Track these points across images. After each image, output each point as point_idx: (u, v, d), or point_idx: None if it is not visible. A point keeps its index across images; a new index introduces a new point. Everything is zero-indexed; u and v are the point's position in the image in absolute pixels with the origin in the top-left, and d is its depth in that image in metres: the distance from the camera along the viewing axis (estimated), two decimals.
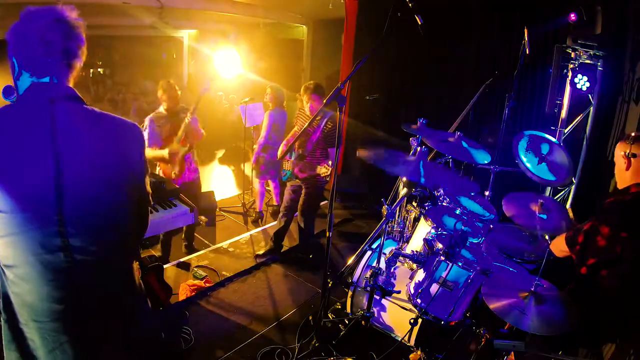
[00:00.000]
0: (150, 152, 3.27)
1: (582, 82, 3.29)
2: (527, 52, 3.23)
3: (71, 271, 1.15)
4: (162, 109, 3.45)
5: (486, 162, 2.53)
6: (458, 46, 4.47)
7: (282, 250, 3.94)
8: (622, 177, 1.96)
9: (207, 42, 8.10)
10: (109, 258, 1.24)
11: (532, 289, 1.83)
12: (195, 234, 4.00)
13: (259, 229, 4.54)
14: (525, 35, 3.21)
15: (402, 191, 2.40)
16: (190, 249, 3.88)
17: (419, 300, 2.28)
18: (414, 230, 2.77)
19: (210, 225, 4.50)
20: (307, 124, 2.55)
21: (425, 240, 2.35)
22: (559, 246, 2.10)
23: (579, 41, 3.28)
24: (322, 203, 4.26)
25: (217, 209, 4.78)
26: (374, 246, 2.76)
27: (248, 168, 5.12)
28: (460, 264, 2.20)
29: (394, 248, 2.57)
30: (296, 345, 2.68)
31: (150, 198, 1.42)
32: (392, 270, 2.36)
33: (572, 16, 3.20)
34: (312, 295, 3.30)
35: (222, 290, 3.30)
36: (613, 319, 1.90)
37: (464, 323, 2.37)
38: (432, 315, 2.27)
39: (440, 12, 3.75)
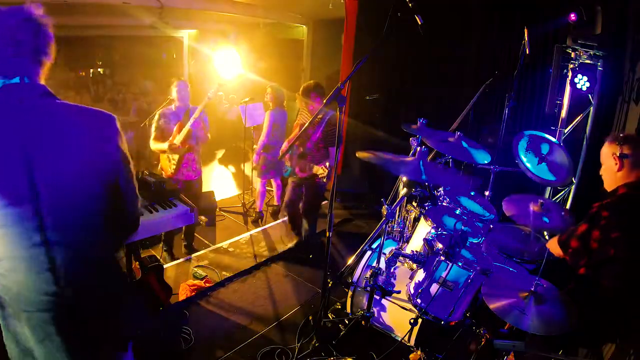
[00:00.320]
0: (153, 144, 3.52)
1: (582, 82, 3.29)
2: (527, 52, 3.22)
3: (54, 264, 1.18)
4: (173, 106, 3.57)
5: (486, 162, 2.54)
6: (458, 46, 4.46)
7: (282, 251, 3.96)
8: (613, 178, 1.94)
9: (207, 42, 8.07)
10: (90, 250, 1.27)
11: (532, 289, 1.83)
12: (195, 234, 4.00)
13: (259, 229, 4.54)
14: (525, 35, 3.20)
15: (402, 191, 2.41)
16: (190, 249, 3.88)
17: (419, 300, 2.28)
18: (414, 230, 2.76)
19: (210, 225, 4.51)
20: (307, 123, 2.55)
21: (425, 240, 2.34)
22: (554, 249, 2.11)
23: (579, 41, 3.28)
24: (322, 203, 4.26)
25: (217, 209, 4.78)
26: (374, 246, 2.76)
27: (248, 168, 5.12)
28: (460, 264, 2.19)
29: (394, 248, 2.56)
30: (296, 345, 2.69)
31: (137, 191, 1.40)
32: (392, 270, 2.36)
33: (572, 16, 3.20)
34: (312, 295, 3.31)
35: (222, 290, 3.30)
36: (613, 318, 1.90)
37: (464, 323, 2.36)
38: (432, 315, 2.27)
39: (440, 12, 3.75)
